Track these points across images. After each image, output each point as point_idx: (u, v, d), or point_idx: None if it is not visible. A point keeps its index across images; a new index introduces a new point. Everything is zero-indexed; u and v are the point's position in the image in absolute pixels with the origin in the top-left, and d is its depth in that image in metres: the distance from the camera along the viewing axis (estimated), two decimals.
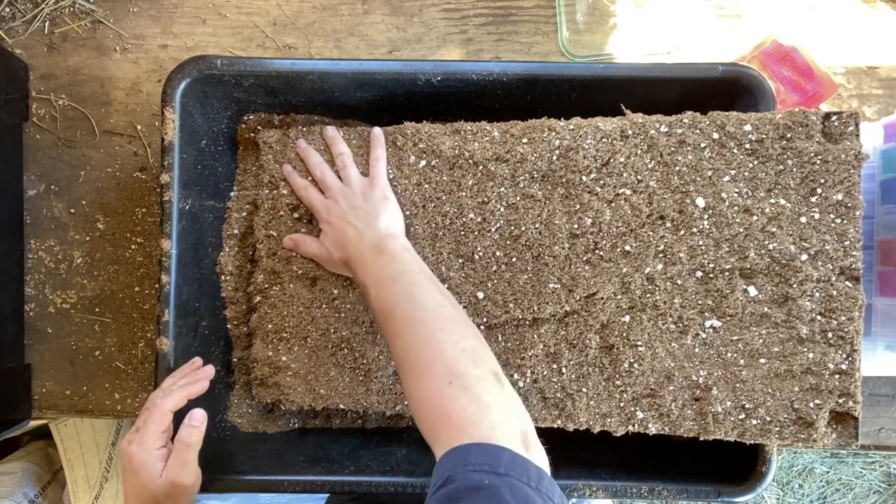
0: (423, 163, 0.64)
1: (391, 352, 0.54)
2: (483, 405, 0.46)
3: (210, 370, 0.62)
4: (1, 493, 0.92)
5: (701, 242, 0.60)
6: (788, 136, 0.59)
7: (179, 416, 0.57)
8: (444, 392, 0.47)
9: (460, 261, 0.64)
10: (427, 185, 0.64)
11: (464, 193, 0.63)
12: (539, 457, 0.45)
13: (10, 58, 0.75)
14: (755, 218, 0.59)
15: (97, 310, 0.77)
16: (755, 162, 0.60)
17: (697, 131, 0.60)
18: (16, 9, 0.78)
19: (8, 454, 1.03)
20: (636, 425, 0.61)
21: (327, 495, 0.85)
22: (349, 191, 0.63)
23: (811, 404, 0.59)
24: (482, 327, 0.63)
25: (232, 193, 0.71)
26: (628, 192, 0.61)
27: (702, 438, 0.60)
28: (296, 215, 0.67)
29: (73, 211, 0.77)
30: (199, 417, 0.56)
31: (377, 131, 0.65)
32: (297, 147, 0.67)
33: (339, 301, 0.65)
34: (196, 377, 0.60)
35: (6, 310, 0.74)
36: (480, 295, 0.63)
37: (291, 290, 0.66)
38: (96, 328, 0.77)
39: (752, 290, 0.60)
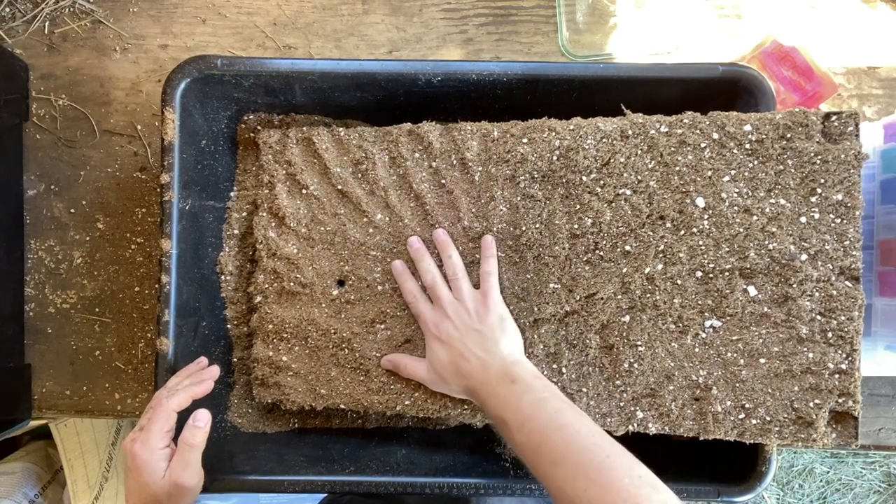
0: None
1: (545, 484, 0.51)
2: None
3: (215, 370, 0.61)
4: (1, 493, 0.93)
5: (701, 242, 0.60)
6: (788, 136, 0.59)
7: (183, 416, 0.56)
8: None
9: None
10: None
11: None
12: None
13: (10, 58, 0.75)
14: (755, 218, 0.59)
15: (97, 310, 0.77)
16: (755, 162, 0.60)
17: (697, 131, 0.60)
18: (16, 9, 0.78)
19: (8, 454, 1.03)
20: (636, 425, 0.61)
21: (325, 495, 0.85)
22: (461, 308, 0.60)
23: (811, 404, 0.59)
24: None
25: (232, 193, 0.71)
26: (628, 192, 0.61)
27: (702, 438, 0.60)
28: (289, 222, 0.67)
29: (73, 211, 0.77)
30: (203, 418, 0.56)
31: (488, 240, 0.62)
32: (409, 245, 0.63)
33: (340, 300, 0.65)
34: (201, 377, 0.60)
35: (6, 310, 0.74)
36: None
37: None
38: (96, 328, 0.77)
39: (752, 290, 0.60)
